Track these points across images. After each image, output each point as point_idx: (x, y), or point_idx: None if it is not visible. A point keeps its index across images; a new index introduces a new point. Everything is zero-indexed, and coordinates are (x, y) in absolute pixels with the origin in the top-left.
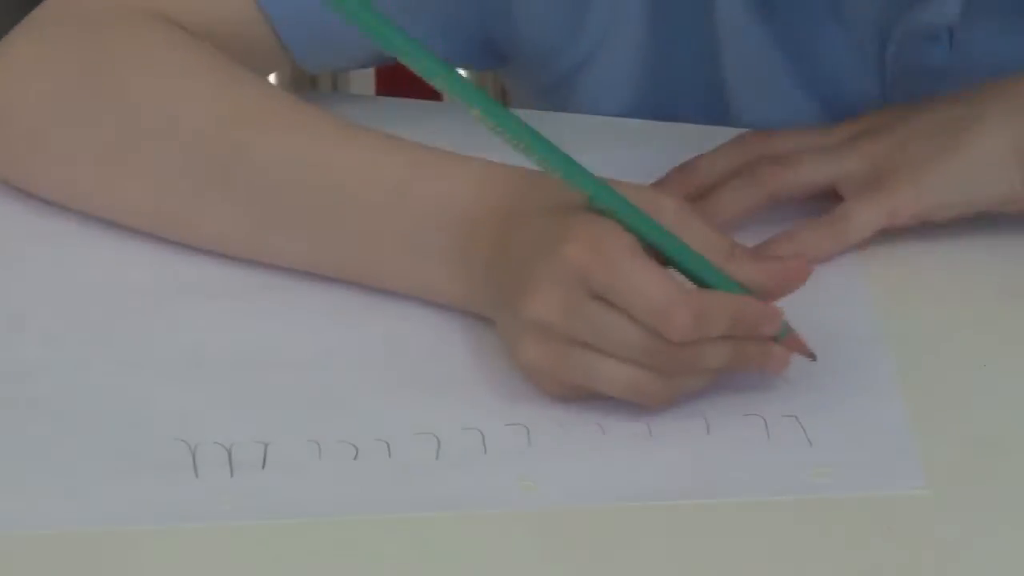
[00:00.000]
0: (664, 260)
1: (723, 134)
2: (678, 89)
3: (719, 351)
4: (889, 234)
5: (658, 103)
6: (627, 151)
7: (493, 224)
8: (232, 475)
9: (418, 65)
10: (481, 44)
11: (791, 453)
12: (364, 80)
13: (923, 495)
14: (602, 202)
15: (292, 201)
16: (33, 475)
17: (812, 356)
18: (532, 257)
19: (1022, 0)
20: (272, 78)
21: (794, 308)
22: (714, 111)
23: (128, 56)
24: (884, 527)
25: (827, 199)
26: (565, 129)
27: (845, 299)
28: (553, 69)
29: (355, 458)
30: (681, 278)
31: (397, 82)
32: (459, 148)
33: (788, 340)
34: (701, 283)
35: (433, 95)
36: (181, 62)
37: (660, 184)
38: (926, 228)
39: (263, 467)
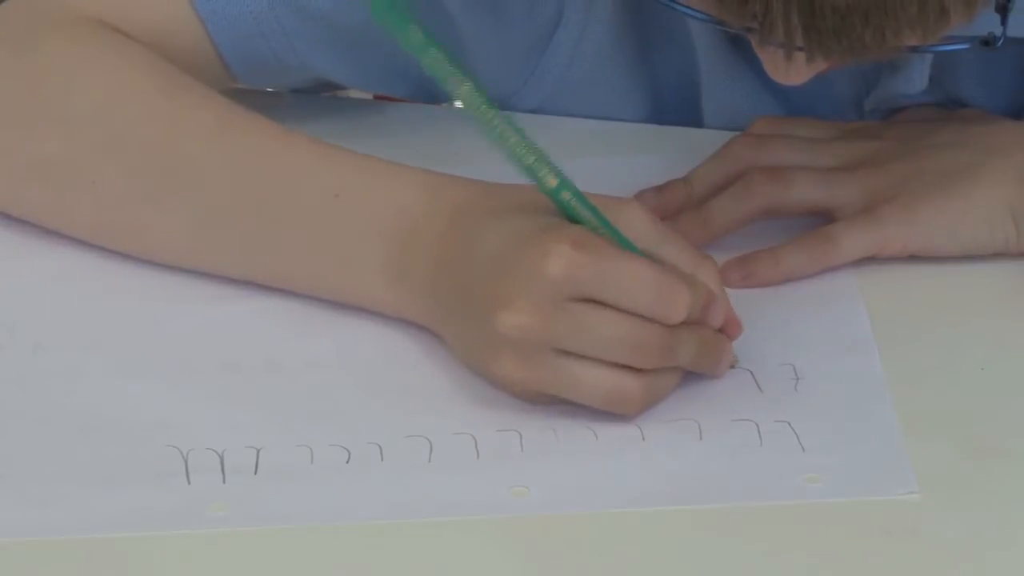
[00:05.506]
0: None
1: (718, 136)
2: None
3: (690, 341)
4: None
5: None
6: (624, 156)
7: (432, 234)
8: (224, 481)
9: (407, 40)
10: (428, 82)
11: (784, 458)
12: None
13: (915, 500)
14: (575, 206)
15: (228, 211)
16: (26, 483)
17: (735, 360)
18: (501, 268)
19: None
20: None
21: (785, 313)
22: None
23: (69, 68)
24: (876, 532)
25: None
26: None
27: (836, 303)
28: (509, 107)
29: (347, 462)
30: None
31: None
32: (456, 152)
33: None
34: None
35: (431, 99)
36: (122, 71)
37: (649, 195)
38: None
39: (255, 472)
